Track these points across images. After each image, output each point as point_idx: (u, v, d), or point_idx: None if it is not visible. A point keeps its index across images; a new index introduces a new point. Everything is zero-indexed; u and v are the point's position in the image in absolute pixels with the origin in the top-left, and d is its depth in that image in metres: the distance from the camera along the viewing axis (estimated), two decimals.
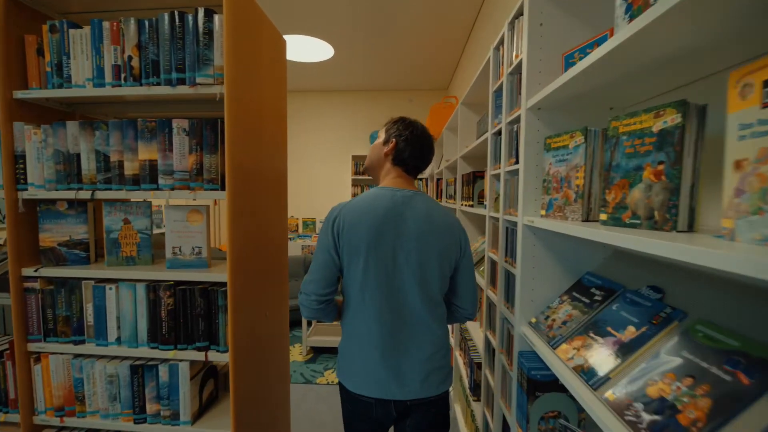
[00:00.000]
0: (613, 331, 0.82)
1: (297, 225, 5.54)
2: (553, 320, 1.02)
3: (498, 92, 1.49)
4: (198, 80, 1.15)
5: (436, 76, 4.83)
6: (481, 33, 3.18)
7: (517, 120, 1.25)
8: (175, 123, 1.20)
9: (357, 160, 5.30)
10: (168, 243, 1.27)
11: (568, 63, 0.97)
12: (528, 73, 1.08)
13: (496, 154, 1.51)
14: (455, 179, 2.74)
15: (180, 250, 1.27)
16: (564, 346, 0.90)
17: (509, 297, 1.31)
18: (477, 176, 2.00)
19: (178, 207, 1.26)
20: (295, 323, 4.00)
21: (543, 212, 1.04)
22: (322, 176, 5.51)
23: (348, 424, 1.21)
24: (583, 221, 0.89)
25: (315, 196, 5.54)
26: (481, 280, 1.77)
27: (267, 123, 1.42)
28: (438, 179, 3.72)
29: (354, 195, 5.29)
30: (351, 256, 1.08)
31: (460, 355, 2.34)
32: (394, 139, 1.20)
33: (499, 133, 1.48)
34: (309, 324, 3.73)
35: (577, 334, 0.90)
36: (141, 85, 1.20)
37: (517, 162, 1.22)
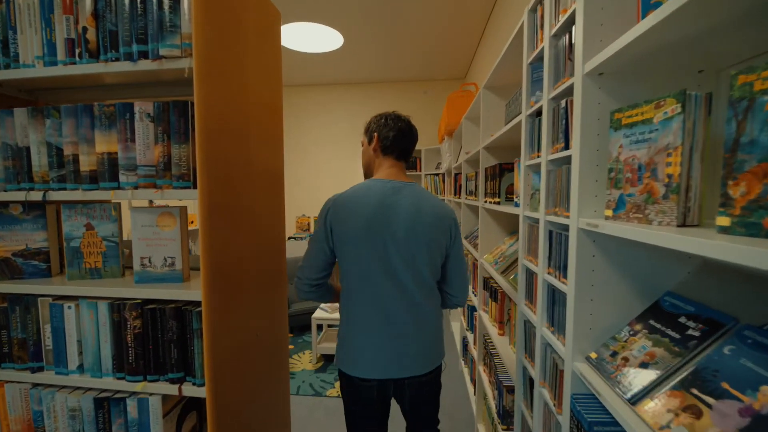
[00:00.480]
0: (734, 392, 0.55)
1: (308, 223, 5.35)
2: (624, 359, 0.75)
3: (536, 64, 1.22)
4: (162, 52, 0.93)
5: (453, 64, 4.54)
6: (504, 9, 2.87)
7: (566, 93, 0.98)
8: (137, 106, 0.97)
9: None
10: (135, 253, 1.06)
11: (648, 4, 0.69)
12: (586, 28, 0.81)
13: (533, 139, 1.24)
14: (477, 173, 2.46)
15: (150, 261, 1.06)
16: (649, 403, 0.64)
17: (555, 320, 1.04)
18: (504, 169, 1.73)
19: (146, 210, 1.04)
20: (305, 328, 3.81)
21: (609, 213, 0.77)
22: (334, 173, 5.30)
23: (350, 411, 1.26)
24: (679, 226, 0.62)
25: (327, 193, 5.33)
26: (510, 288, 1.50)
27: (254, 110, 1.18)
28: (456, 174, 3.44)
29: None
30: (344, 245, 1.14)
31: (484, 370, 2.08)
32: (375, 134, 1.27)
33: (538, 113, 1.20)
34: (320, 329, 3.52)
35: (671, 387, 0.63)
36: (98, 61, 0.98)
37: (566, 147, 0.95)
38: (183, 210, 1.07)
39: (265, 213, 1.29)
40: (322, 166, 5.28)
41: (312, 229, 5.35)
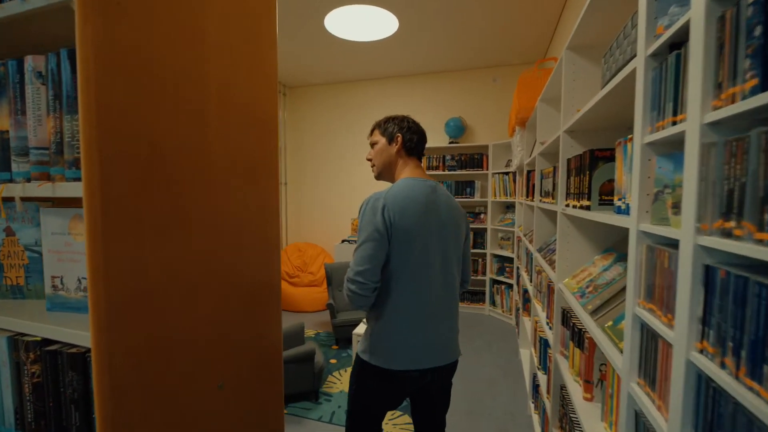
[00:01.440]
0: None
1: None
2: None
3: None
4: None
5: (528, 45, 3.87)
6: None
7: None
8: (28, 62, 0.68)
9: (430, 153, 4.59)
10: (46, 270, 0.77)
11: None
12: None
13: (660, 96, 0.70)
14: (555, 169, 1.88)
15: (62, 283, 0.76)
16: None
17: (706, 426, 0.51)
18: (598, 157, 1.17)
19: (57, 212, 0.75)
20: (346, 341, 3.46)
21: None
22: None
23: (367, 406, 1.25)
24: None
25: None
26: (608, 342, 0.95)
27: (219, 73, 0.83)
28: (529, 171, 2.83)
29: None
30: (402, 242, 1.15)
31: None
32: (399, 135, 1.31)
33: (671, 47, 0.67)
34: None
35: None
36: None
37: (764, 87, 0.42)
38: None
39: (245, 217, 0.93)
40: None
41: None
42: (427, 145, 4.00)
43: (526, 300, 2.96)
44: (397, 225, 1.12)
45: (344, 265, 3.83)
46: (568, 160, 1.48)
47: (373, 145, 1.35)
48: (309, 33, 3.55)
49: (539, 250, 2.19)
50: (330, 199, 5.20)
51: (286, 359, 2.35)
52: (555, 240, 2.05)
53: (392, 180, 1.34)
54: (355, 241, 4.42)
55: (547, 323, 1.87)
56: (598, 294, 1.18)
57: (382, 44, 3.83)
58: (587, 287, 1.28)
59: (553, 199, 1.93)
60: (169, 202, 0.72)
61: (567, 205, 1.47)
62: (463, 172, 4.40)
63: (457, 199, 4.23)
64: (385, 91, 4.88)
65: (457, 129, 4.42)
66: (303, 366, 2.37)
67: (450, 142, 4.51)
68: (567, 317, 1.49)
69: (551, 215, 2.22)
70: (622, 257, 1.27)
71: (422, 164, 1.34)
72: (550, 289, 1.82)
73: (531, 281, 2.62)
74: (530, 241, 2.62)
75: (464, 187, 4.44)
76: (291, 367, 2.35)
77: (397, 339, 1.17)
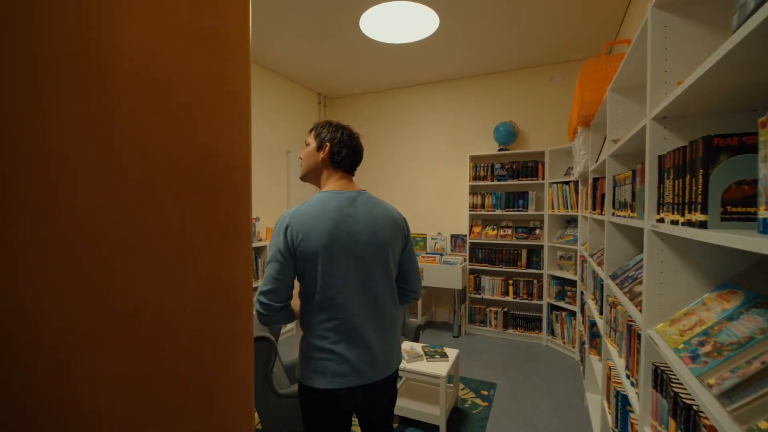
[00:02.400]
0: None
1: None
2: None
3: None
4: None
5: (591, 36, 3.37)
6: None
7: None
8: None
9: (477, 162, 4.19)
10: None
11: None
12: None
13: None
14: (635, 172, 1.44)
15: None
16: None
17: None
18: (719, 148, 0.77)
19: None
20: None
21: None
22: (433, 184, 4.59)
23: (313, 428, 1.22)
24: None
25: (426, 207, 4.64)
26: None
27: (128, 30, 0.59)
28: (596, 179, 2.35)
29: (472, 205, 4.17)
30: (308, 260, 1.14)
31: None
32: (328, 144, 1.28)
33: None
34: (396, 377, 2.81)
35: None
36: None
37: None
38: None
39: (176, 237, 0.67)
40: (420, 179, 4.64)
41: None
42: (474, 153, 3.72)
43: (595, 335, 2.44)
44: (301, 245, 1.13)
45: None
46: (661, 158, 1.06)
47: (307, 144, 1.33)
48: (344, 37, 3.39)
49: (613, 277, 1.72)
50: None
51: (290, 395, 2.08)
52: (636, 265, 1.59)
53: (318, 185, 1.33)
54: None
55: (628, 377, 1.41)
56: (725, 359, 0.76)
57: (422, 46, 3.57)
58: (700, 344, 0.86)
59: (632, 211, 1.48)
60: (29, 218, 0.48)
61: (660, 221, 1.05)
62: (515, 182, 3.94)
63: (508, 213, 3.76)
64: (427, 97, 4.59)
65: (508, 135, 3.98)
66: None
67: (499, 150, 4.08)
68: (662, 379, 1.05)
69: (630, 233, 1.75)
70: (759, 300, 0.83)
71: (352, 176, 1.35)
72: (632, 331, 1.36)
73: (601, 313, 2.12)
74: (599, 264, 2.13)
75: (516, 199, 3.97)
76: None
77: (318, 357, 1.16)
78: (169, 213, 0.63)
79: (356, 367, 1.15)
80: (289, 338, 4.00)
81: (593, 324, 2.46)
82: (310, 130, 1.34)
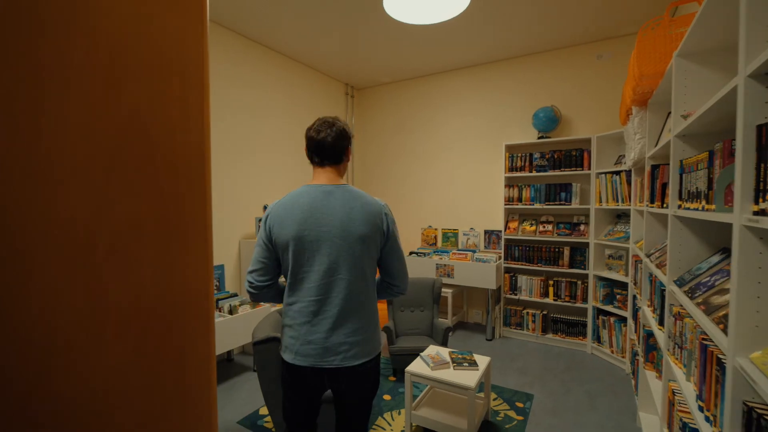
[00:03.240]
0: None
1: (436, 236, 4.51)
2: None
3: None
4: None
5: (643, 8, 2.94)
6: None
7: None
8: None
9: (513, 152, 3.86)
10: None
11: None
12: None
13: None
14: (712, 153, 1.15)
15: None
16: None
17: None
18: None
19: None
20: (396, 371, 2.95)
21: None
22: (465, 176, 4.31)
23: (286, 396, 1.34)
24: None
25: (456, 201, 4.37)
26: None
27: None
28: (654, 167, 2.01)
29: (508, 198, 3.86)
30: (281, 248, 1.27)
31: None
32: (305, 141, 1.38)
33: None
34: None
35: None
36: None
37: None
38: None
39: (84, 233, 0.52)
40: (451, 171, 4.37)
41: (439, 243, 4.48)
42: (509, 142, 3.51)
43: (651, 347, 2.11)
44: (275, 234, 1.26)
45: (409, 282, 3.34)
46: (762, 129, 0.79)
47: None
48: (368, 21, 3.20)
49: (679, 283, 1.42)
50: (400, 205, 4.77)
51: None
52: (711, 270, 1.29)
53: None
54: (423, 254, 3.88)
55: (702, 409, 1.12)
56: None
57: (451, 27, 3.29)
58: None
59: (708, 202, 1.19)
60: None
61: (760, 213, 0.78)
62: (557, 173, 3.58)
63: (549, 207, 3.44)
64: (459, 84, 4.30)
65: (549, 121, 3.62)
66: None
67: (539, 137, 3.73)
68: (760, 425, 0.78)
69: (703, 229, 1.44)
70: None
71: (334, 166, 1.36)
72: (709, 355, 1.08)
73: (661, 323, 1.80)
74: (659, 266, 1.81)
75: (558, 192, 3.61)
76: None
77: (287, 334, 1.29)
78: (69, 199, 0.47)
79: (317, 350, 1.25)
80: None
81: (649, 335, 2.13)
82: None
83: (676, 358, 1.48)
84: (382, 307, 3.81)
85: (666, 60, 1.78)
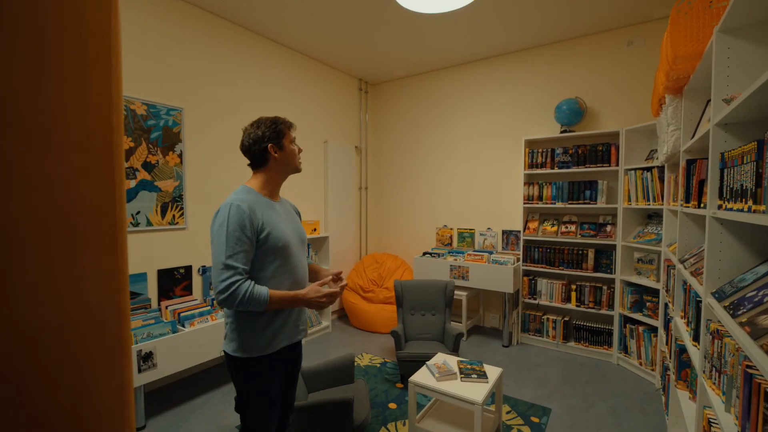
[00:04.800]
0: None
1: (451, 236, 4.33)
2: None
3: None
4: None
5: None
6: None
7: None
8: None
9: (533, 147, 3.64)
10: None
11: None
12: None
13: None
14: (761, 144, 0.95)
15: None
16: None
17: None
18: None
19: None
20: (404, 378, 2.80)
21: None
22: (481, 173, 4.10)
23: (264, 392, 1.34)
24: None
25: (472, 199, 4.18)
26: None
27: None
28: (690, 162, 1.78)
29: (527, 197, 3.63)
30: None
31: None
32: None
33: None
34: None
35: None
36: None
37: None
38: None
39: None
40: (467, 168, 4.17)
41: (454, 244, 4.30)
42: (529, 137, 3.43)
43: (684, 363, 1.88)
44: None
45: (420, 284, 3.20)
46: None
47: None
48: (380, 11, 3.06)
49: (719, 297, 1.22)
50: (415, 204, 4.62)
51: (309, 407, 1.84)
52: (759, 281, 1.09)
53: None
54: (437, 255, 3.71)
55: None
56: None
57: (467, 15, 3.11)
58: None
59: (756, 202, 0.99)
60: None
61: None
62: (581, 169, 3.33)
63: (572, 206, 3.22)
64: (476, 77, 4.09)
65: (573, 113, 3.38)
66: (333, 418, 1.83)
67: (562, 131, 3.48)
68: None
69: (750, 234, 1.23)
70: None
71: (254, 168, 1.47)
72: (755, 387, 0.89)
73: (696, 339, 1.59)
74: (695, 273, 1.59)
75: (582, 190, 3.36)
76: (318, 420, 1.83)
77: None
78: None
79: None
80: (318, 337, 3.84)
81: (682, 349, 1.90)
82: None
83: (713, 383, 1.28)
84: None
85: (704, 39, 1.56)
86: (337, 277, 1.43)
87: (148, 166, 2.60)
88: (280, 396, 1.43)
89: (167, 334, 2.31)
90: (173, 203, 2.76)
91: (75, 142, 0.46)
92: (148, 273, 2.63)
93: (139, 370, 2.12)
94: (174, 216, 2.77)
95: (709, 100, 1.77)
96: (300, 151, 1.46)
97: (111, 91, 0.50)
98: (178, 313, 2.53)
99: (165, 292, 2.72)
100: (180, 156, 2.80)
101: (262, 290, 1.24)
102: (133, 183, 2.54)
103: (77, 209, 0.47)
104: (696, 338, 1.60)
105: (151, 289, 2.66)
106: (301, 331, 1.47)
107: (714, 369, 1.27)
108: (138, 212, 2.57)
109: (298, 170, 1.46)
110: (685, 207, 1.85)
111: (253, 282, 1.25)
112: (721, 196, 1.27)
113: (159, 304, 2.67)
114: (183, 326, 2.48)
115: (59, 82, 0.44)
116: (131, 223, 2.53)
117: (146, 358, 2.15)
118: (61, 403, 0.43)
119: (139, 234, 2.59)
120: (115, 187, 0.50)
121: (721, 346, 1.21)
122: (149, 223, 2.62)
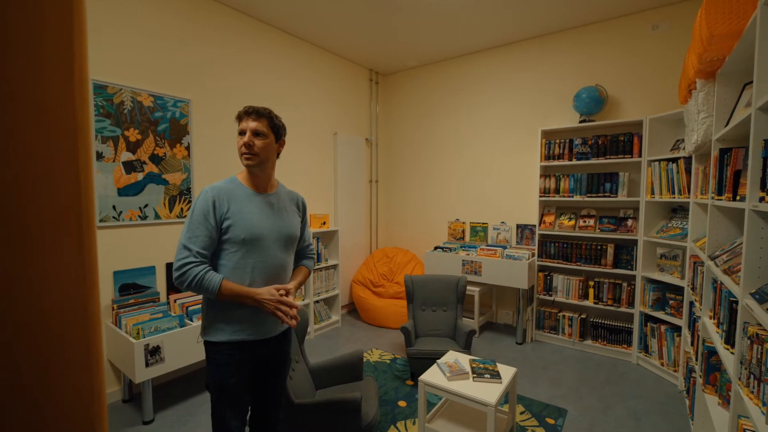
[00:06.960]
0: None
1: (463, 230, 4.22)
2: None
3: None
4: None
5: None
6: None
7: None
8: None
9: (550, 138, 3.49)
10: None
11: None
12: None
13: None
14: None
15: None
16: None
17: None
18: None
19: None
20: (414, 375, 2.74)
21: None
22: (496, 165, 3.98)
23: (218, 379, 1.32)
24: None
25: (485, 192, 4.06)
26: None
27: None
28: (724, 151, 1.65)
29: (543, 190, 3.50)
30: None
31: None
32: (284, 139, 1.42)
33: None
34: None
35: None
36: None
37: None
38: None
39: None
40: (483, 159, 4.05)
41: (467, 238, 4.20)
42: (546, 127, 3.28)
43: (713, 367, 1.77)
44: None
45: (431, 279, 3.13)
46: None
47: (257, 133, 1.31)
48: None
49: (760, 299, 1.11)
50: (426, 197, 4.52)
51: (315, 407, 1.77)
52: None
53: (265, 174, 1.39)
54: (449, 249, 3.62)
55: None
56: None
57: (480, 1, 2.97)
58: None
59: None
60: None
61: None
62: (601, 160, 3.18)
63: (590, 199, 3.09)
64: (490, 66, 3.95)
65: (593, 102, 3.22)
66: (341, 417, 1.78)
67: (581, 121, 3.33)
68: None
69: None
70: None
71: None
72: None
73: (728, 342, 1.47)
74: (729, 272, 1.47)
75: (602, 182, 3.21)
76: (324, 419, 1.78)
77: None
78: None
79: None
80: (327, 332, 3.81)
81: (711, 352, 1.78)
82: (259, 116, 1.31)
83: (751, 391, 1.17)
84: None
85: (745, 14, 1.42)
86: (285, 291, 1.31)
87: (155, 159, 2.58)
88: (242, 387, 1.36)
89: (175, 328, 2.29)
90: (181, 196, 2.74)
91: (25, 126, 0.39)
92: (156, 267, 2.62)
93: (147, 365, 2.11)
94: (182, 209, 2.75)
95: (746, 84, 1.63)
96: (246, 144, 1.29)
97: (72, 58, 0.43)
98: (186, 307, 2.51)
99: (173, 286, 2.70)
100: (187, 148, 2.76)
101: (214, 278, 1.22)
102: (140, 176, 2.51)
103: (25, 201, 0.40)
104: (727, 341, 1.48)
105: (160, 283, 2.65)
106: (273, 330, 1.39)
107: (752, 376, 1.16)
108: (146, 205, 2.55)
109: (244, 164, 1.34)
110: (717, 200, 1.72)
111: (208, 268, 1.24)
112: (763, 188, 1.15)
113: (168, 298, 2.66)
114: (191, 320, 2.46)
115: (8, 54, 0.37)
116: (139, 216, 2.51)
117: (154, 352, 2.13)
118: (8, 421, 0.37)
119: (148, 227, 2.57)
120: (79, 176, 0.43)
121: (762, 352, 1.10)
122: (157, 216, 2.60)
